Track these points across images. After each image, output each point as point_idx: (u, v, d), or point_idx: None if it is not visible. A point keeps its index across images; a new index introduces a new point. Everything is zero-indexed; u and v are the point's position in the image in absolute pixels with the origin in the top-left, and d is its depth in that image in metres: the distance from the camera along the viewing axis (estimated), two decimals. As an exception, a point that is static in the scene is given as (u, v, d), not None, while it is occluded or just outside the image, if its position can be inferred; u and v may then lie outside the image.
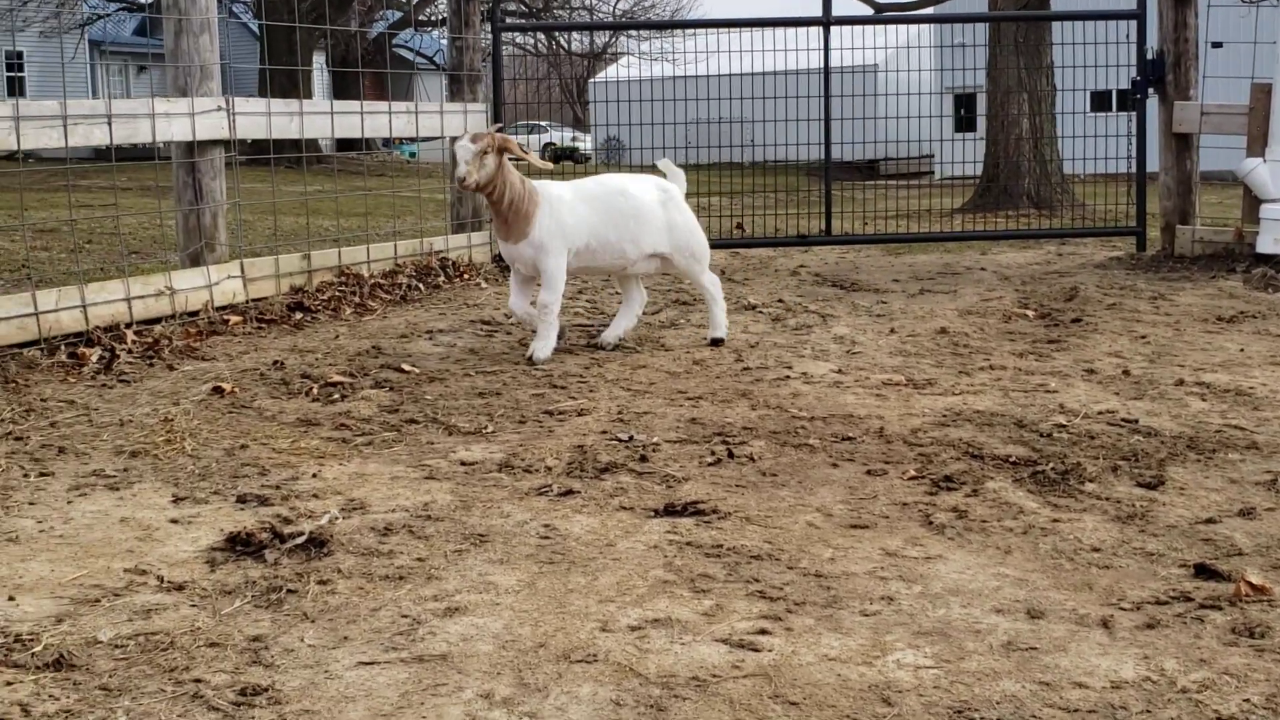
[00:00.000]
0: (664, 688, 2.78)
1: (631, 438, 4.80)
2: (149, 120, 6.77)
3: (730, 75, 12.07)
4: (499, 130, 6.29)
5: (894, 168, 22.98)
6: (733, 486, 4.25)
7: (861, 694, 2.76)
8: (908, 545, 3.69)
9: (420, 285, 8.30)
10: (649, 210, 6.33)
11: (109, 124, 6.52)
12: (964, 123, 22.58)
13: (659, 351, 6.50)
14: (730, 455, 4.57)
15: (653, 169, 6.76)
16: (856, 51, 10.85)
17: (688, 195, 6.64)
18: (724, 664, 2.90)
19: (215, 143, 7.21)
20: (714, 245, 10.73)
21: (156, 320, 6.69)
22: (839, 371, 6.02)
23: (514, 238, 6.09)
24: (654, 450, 4.65)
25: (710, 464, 4.49)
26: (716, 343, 6.58)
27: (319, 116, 8.12)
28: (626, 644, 3.00)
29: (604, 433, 4.91)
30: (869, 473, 4.40)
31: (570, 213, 6.13)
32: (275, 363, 6.04)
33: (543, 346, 6.14)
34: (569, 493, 4.17)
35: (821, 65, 10.27)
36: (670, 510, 3.98)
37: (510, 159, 6.06)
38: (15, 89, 35.82)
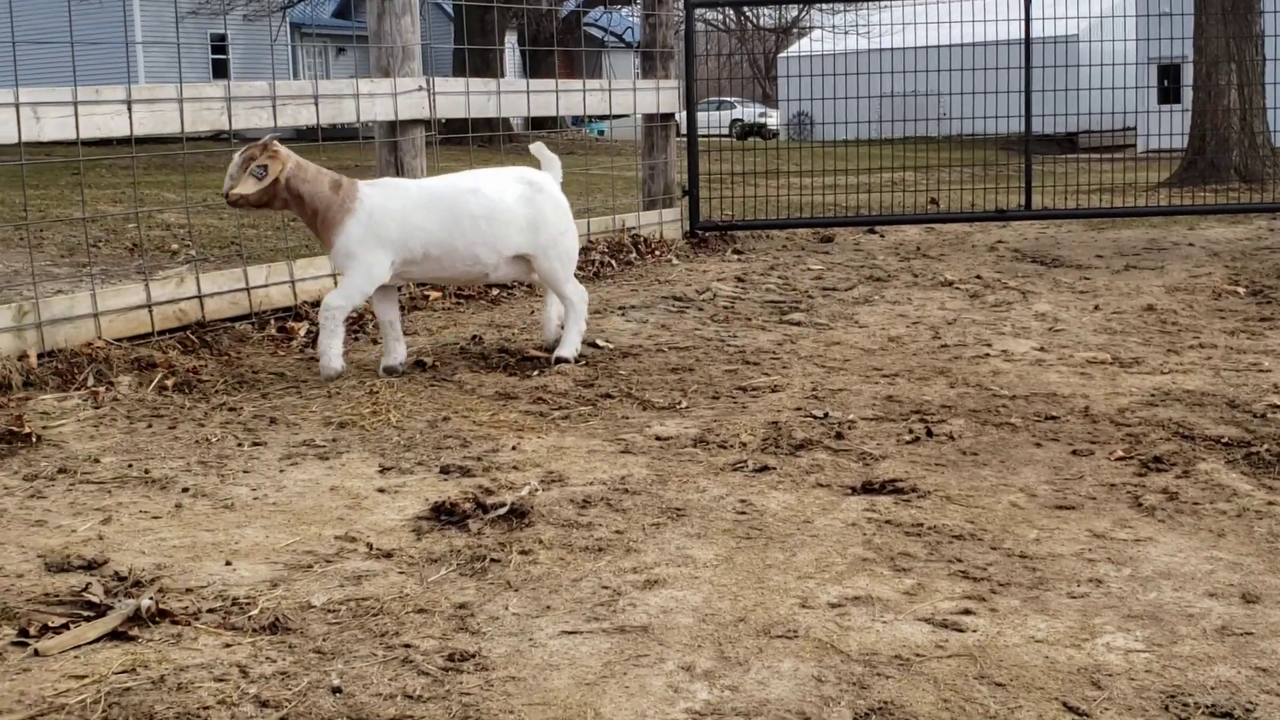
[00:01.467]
0: (866, 665, 2.75)
1: (827, 414, 4.77)
2: (353, 100, 6.95)
3: (924, 48, 11.88)
4: (273, 139, 5.34)
5: (1094, 140, 22.34)
6: (932, 465, 4.18)
7: (1070, 676, 2.70)
8: (1116, 527, 3.59)
9: (612, 261, 8.36)
10: (506, 208, 5.49)
11: (315, 104, 6.71)
12: (1168, 94, 21.82)
13: (853, 328, 6.44)
14: (929, 433, 4.50)
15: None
16: (1056, 22, 10.57)
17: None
18: (927, 643, 2.86)
19: (416, 122, 7.36)
20: (907, 220, 10.61)
21: (360, 296, 6.86)
22: (1041, 349, 5.88)
23: (326, 245, 5.41)
24: (850, 427, 4.61)
25: (908, 442, 4.43)
26: (560, 362, 5.62)
27: (516, 95, 8.23)
28: (827, 621, 2.98)
29: (798, 409, 4.88)
30: (1074, 453, 4.29)
31: (398, 222, 5.32)
32: (474, 337, 6.15)
33: (328, 360, 5.39)
34: (764, 469, 4.15)
35: (1022, 36, 10.02)
36: (868, 488, 3.94)
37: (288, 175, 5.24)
38: (220, 71, 37.10)
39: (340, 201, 5.29)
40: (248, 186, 5.21)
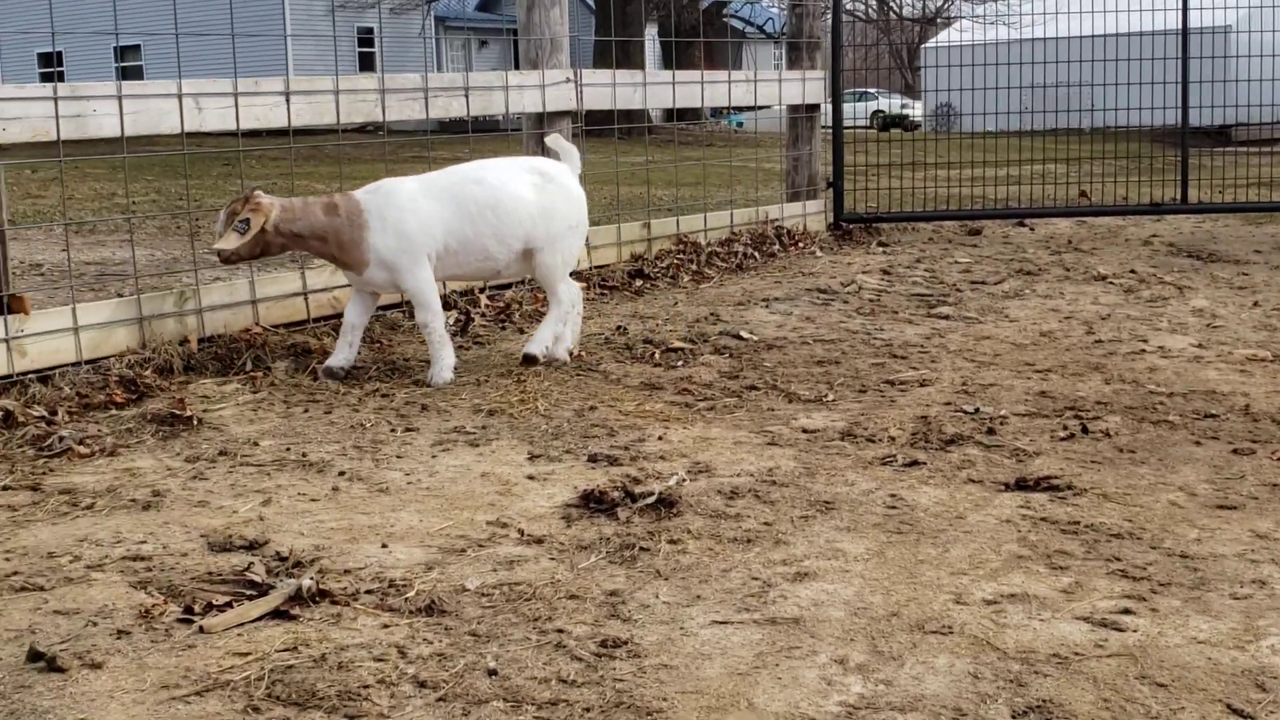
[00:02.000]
0: (1023, 663, 2.71)
1: (978, 410, 4.70)
2: (502, 93, 7.02)
3: (1073, 38, 11.63)
4: (255, 190, 5.14)
5: (1250, 133, 21.69)
6: (1087, 462, 4.10)
7: (1234, 678, 2.63)
8: (1279, 528, 3.49)
9: (755, 253, 8.34)
10: (512, 198, 5.27)
11: (466, 97, 6.80)
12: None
13: (1003, 322, 6.34)
14: (1084, 430, 4.41)
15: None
16: (1211, 11, 10.27)
17: None
18: (1086, 642, 2.81)
19: (563, 114, 7.41)
20: (1058, 213, 10.41)
21: (506, 286, 6.94)
22: (1199, 346, 5.73)
23: (356, 269, 5.18)
24: (1001, 423, 4.54)
25: (1062, 439, 4.35)
26: (529, 360, 5.42)
27: (661, 87, 8.24)
28: (982, 617, 2.94)
29: (948, 404, 4.82)
30: (1235, 451, 4.18)
31: (414, 213, 5.14)
32: (618, 328, 6.18)
33: (438, 369, 5.22)
34: (914, 463, 4.11)
35: (1180, 25, 9.76)
36: (1022, 485, 3.87)
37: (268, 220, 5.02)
38: (366, 64, 37.73)
39: (346, 220, 5.09)
40: (231, 242, 5.01)
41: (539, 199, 5.32)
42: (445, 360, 5.22)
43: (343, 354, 5.30)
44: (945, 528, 3.54)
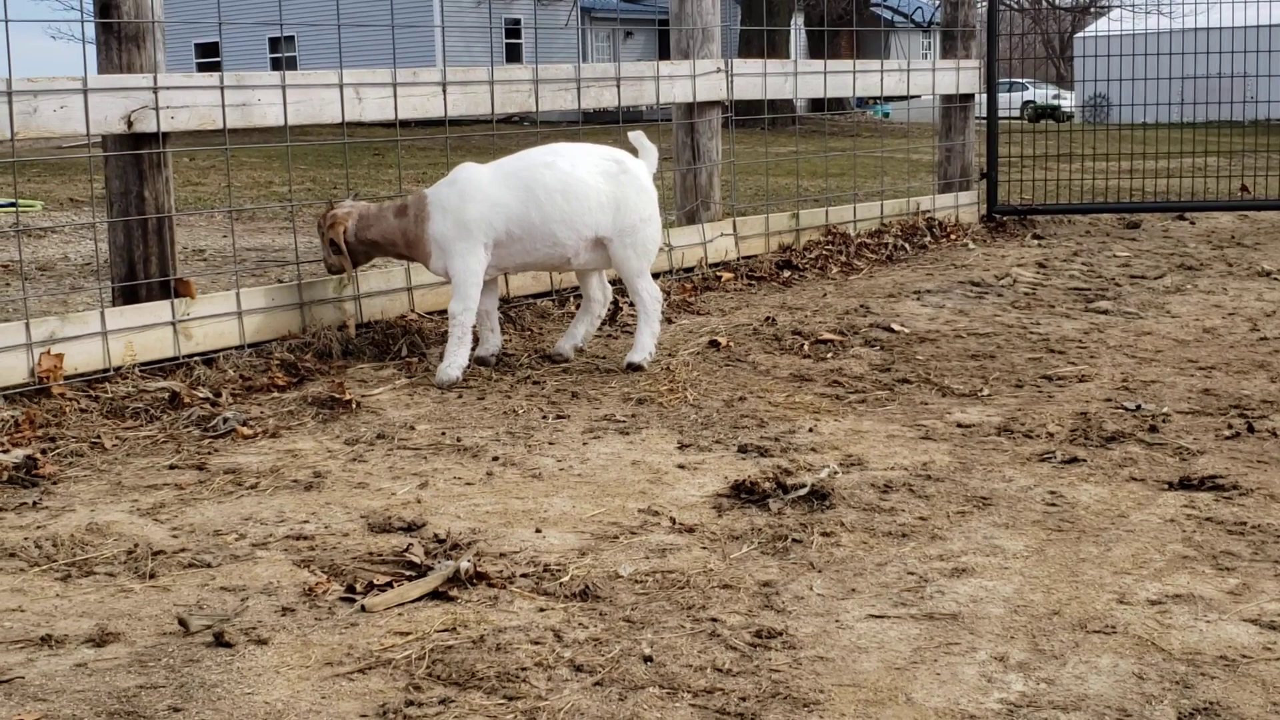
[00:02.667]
0: (1189, 665, 2.64)
1: (1139, 406, 4.59)
2: (653, 82, 7.03)
3: (1232, 28, 11.27)
4: (333, 205, 5.32)
5: None
6: (1254, 462, 3.98)
7: None
8: None
9: (906, 245, 8.24)
10: (583, 184, 5.13)
11: (617, 87, 6.83)
12: None
13: (1164, 318, 6.18)
14: (1250, 429, 4.28)
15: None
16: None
17: None
18: (1254, 645, 2.72)
19: (713, 104, 7.40)
20: (1220, 207, 10.11)
21: (655, 275, 6.93)
22: (1371, 344, 5.53)
23: (425, 262, 5.22)
24: (1164, 421, 4.42)
25: (1228, 437, 4.23)
26: (633, 368, 5.26)
27: (812, 76, 8.18)
28: (1146, 618, 2.87)
29: (1108, 400, 4.72)
30: None
31: (476, 201, 5.07)
32: (767, 319, 6.15)
33: (448, 366, 5.05)
34: (1074, 460, 4.03)
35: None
36: (1186, 484, 3.77)
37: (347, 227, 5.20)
38: (513, 55, 38.12)
39: (414, 218, 5.13)
40: (332, 258, 5.27)
41: (610, 188, 5.18)
42: (458, 358, 5.05)
43: (490, 341, 5.36)
44: (1107, 526, 3.46)
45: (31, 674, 2.64)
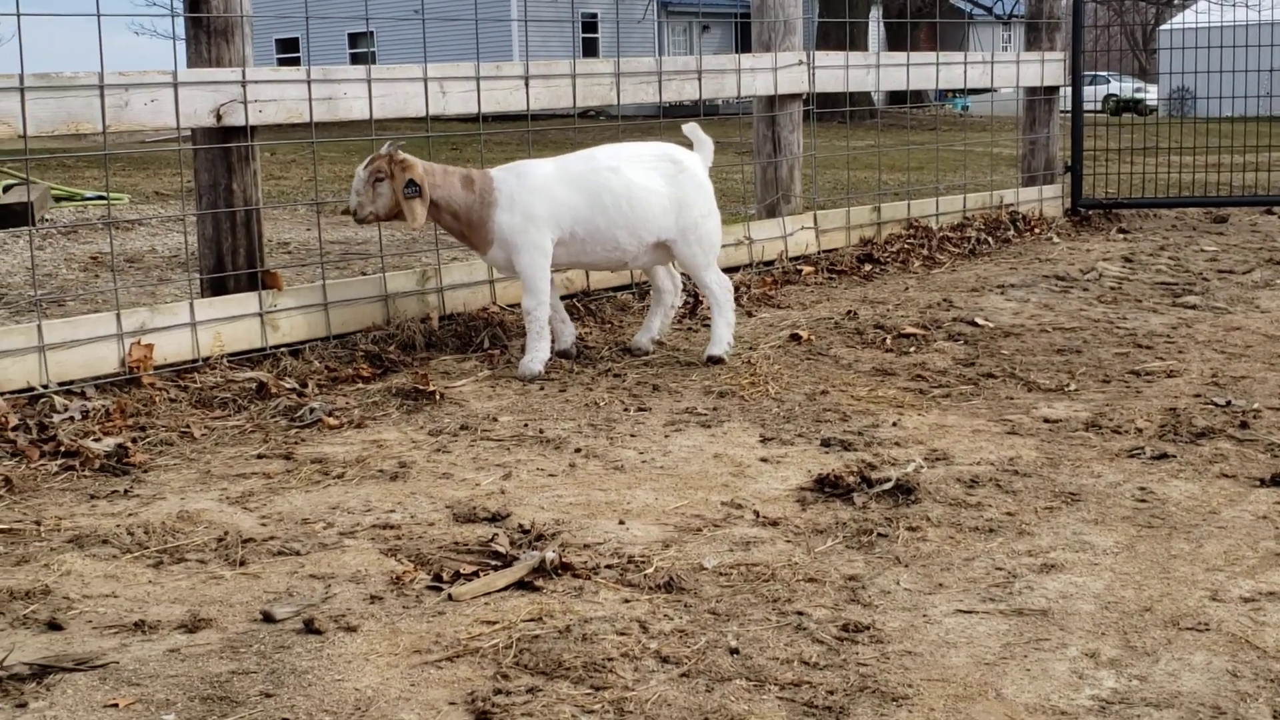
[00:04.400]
0: (1287, 666, 2.60)
1: (1229, 402, 4.51)
2: (735, 75, 7.01)
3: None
4: (395, 149, 5.03)
5: None
6: (1350, 459, 3.90)
7: None
8: None
9: (989, 239, 8.16)
10: (648, 189, 5.12)
11: (699, 80, 6.81)
12: None
13: (1253, 313, 6.07)
14: (1346, 426, 4.20)
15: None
16: None
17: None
18: (1355, 648, 2.67)
19: (794, 96, 7.37)
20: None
21: (735, 269, 6.94)
22: None
23: (481, 248, 5.13)
24: (1255, 417, 4.35)
25: (1322, 434, 4.15)
26: (714, 361, 5.24)
27: (894, 69, 8.12)
28: (1240, 615, 2.83)
29: (1197, 396, 4.64)
30: None
31: (545, 198, 5.01)
32: (848, 312, 6.12)
33: (530, 360, 5.03)
34: (1163, 456, 3.97)
35: None
36: (1277, 480, 3.70)
37: (415, 184, 4.93)
38: (590, 49, 38.18)
39: (479, 198, 5.01)
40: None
41: (671, 190, 5.16)
42: (539, 352, 5.04)
43: (563, 334, 5.32)
44: (1198, 523, 3.41)
45: (125, 659, 2.69)
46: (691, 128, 5.43)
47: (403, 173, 4.93)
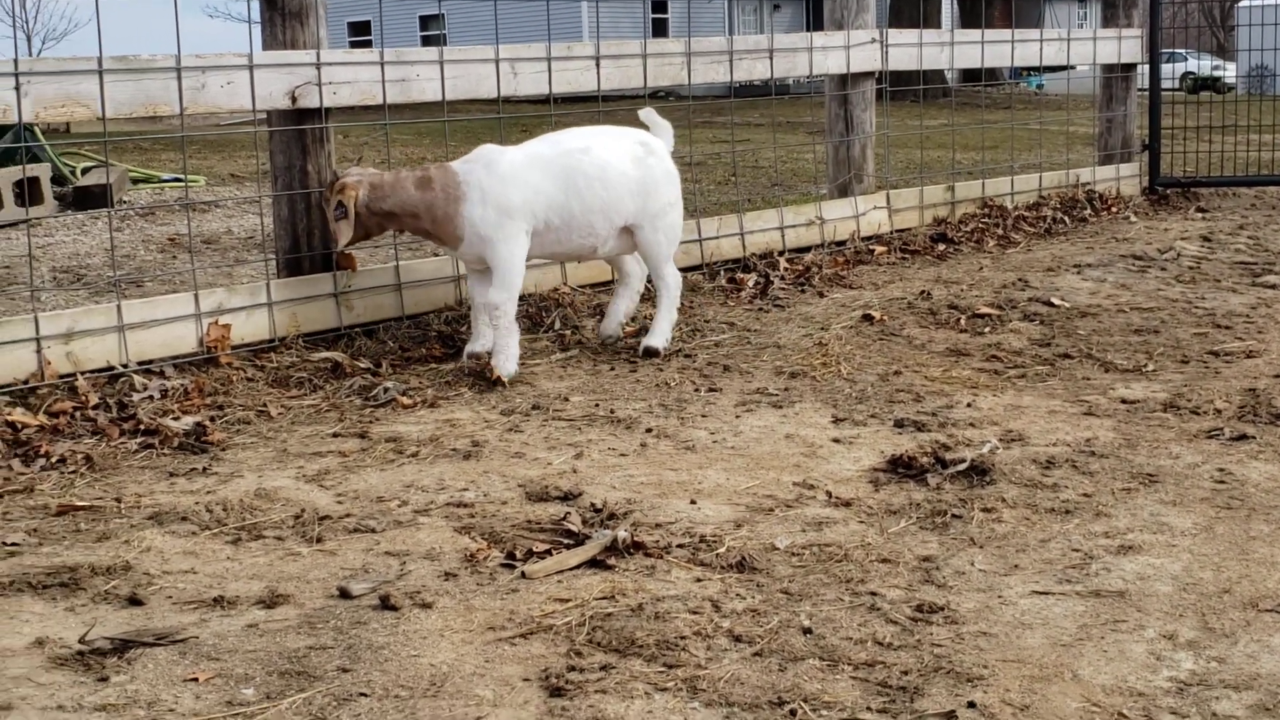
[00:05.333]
0: (1372, 651, 2.55)
1: (1312, 383, 4.44)
2: (806, 54, 6.97)
3: None
4: (342, 173, 4.87)
5: None
6: None
7: None
8: None
9: (1065, 218, 8.07)
10: (619, 171, 4.94)
11: (770, 59, 6.78)
12: None
13: (1336, 292, 5.97)
14: None
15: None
16: None
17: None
18: None
19: (866, 75, 7.32)
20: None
21: (806, 249, 6.91)
22: None
23: (450, 244, 4.87)
24: (1338, 397, 4.28)
25: None
26: (650, 353, 5.05)
27: (969, 46, 8.03)
28: (1323, 600, 2.78)
29: (1277, 376, 4.57)
30: None
31: (518, 186, 4.79)
32: (921, 293, 6.07)
33: (504, 359, 4.77)
34: (1242, 437, 3.91)
35: None
36: (1363, 462, 3.64)
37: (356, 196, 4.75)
38: (659, 30, 38.09)
39: (443, 194, 4.77)
40: (342, 233, 4.80)
41: (639, 173, 5.00)
42: (510, 349, 4.79)
43: (484, 335, 4.94)
44: (1278, 504, 3.36)
45: (205, 634, 2.73)
46: (647, 112, 5.26)
47: (335, 194, 4.79)
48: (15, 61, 4.43)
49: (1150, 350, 5.01)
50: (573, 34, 32.48)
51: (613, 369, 4.91)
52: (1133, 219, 8.30)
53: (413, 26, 39.91)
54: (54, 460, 3.88)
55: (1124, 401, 4.35)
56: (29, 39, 45.24)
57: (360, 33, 41.41)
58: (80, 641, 2.67)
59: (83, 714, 2.39)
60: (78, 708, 2.41)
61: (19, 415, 4.18)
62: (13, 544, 3.25)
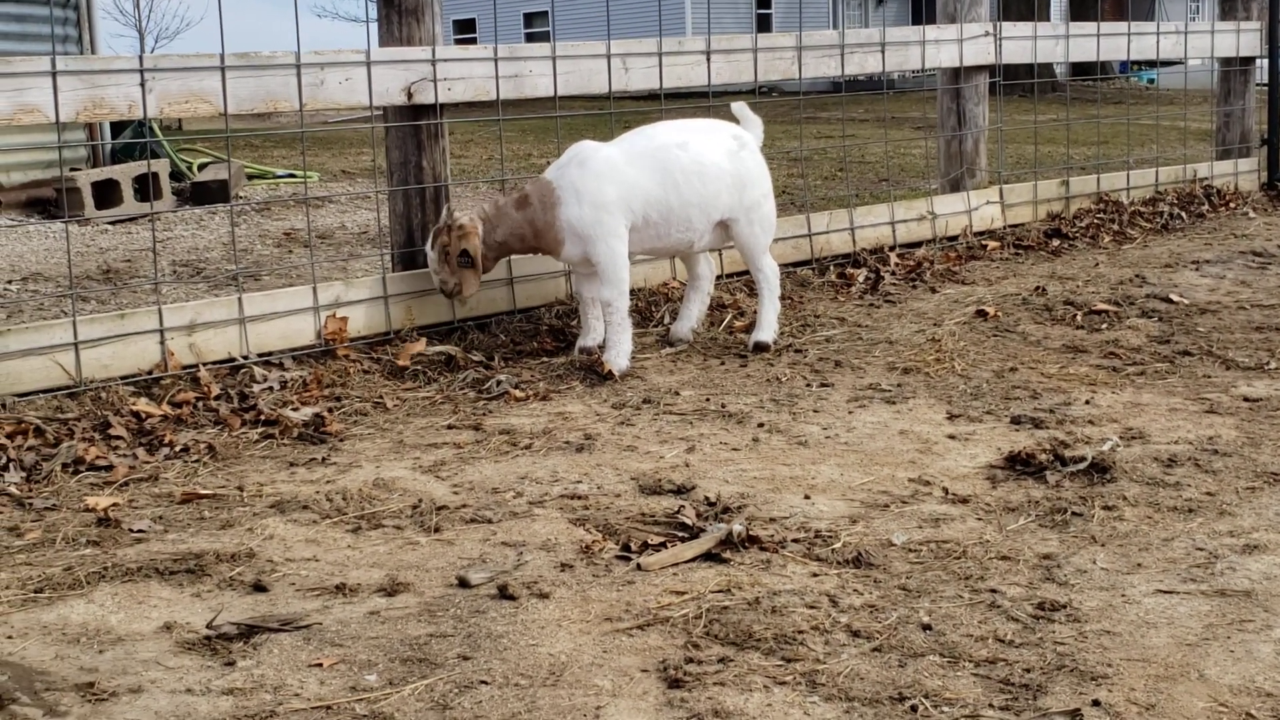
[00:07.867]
0: None
1: None
2: (919, 47, 6.91)
3: None
4: (452, 215, 4.79)
5: None
6: None
7: None
8: None
9: (1182, 214, 7.91)
10: (715, 165, 4.92)
11: (882, 52, 6.73)
12: None
13: None
14: None
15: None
16: None
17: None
18: None
19: (980, 68, 7.23)
20: None
21: (917, 244, 6.85)
22: None
23: (554, 251, 4.86)
24: None
25: None
26: (760, 348, 5.05)
27: (1084, 39, 7.91)
28: None
29: None
30: None
31: (614, 181, 4.76)
32: (1036, 288, 5.99)
33: (615, 354, 4.77)
34: (1373, 437, 3.81)
35: None
36: None
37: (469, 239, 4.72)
38: (764, 25, 37.95)
39: (540, 205, 4.77)
40: (469, 284, 4.80)
41: (734, 166, 4.99)
42: (623, 345, 4.79)
43: (595, 329, 4.98)
44: None
45: (328, 620, 2.77)
46: (739, 106, 5.25)
47: (459, 242, 4.75)
48: (140, 58, 4.54)
49: (1272, 348, 4.90)
50: (676, 29, 32.49)
51: (723, 364, 4.91)
52: (1251, 215, 8.12)
53: (517, 24, 40.19)
54: (178, 449, 3.97)
55: (1246, 399, 4.26)
56: (141, 37, 46.22)
57: (464, 30, 41.76)
58: (207, 626, 2.73)
59: (210, 697, 2.44)
60: (205, 691, 2.47)
61: (144, 405, 4.28)
62: (140, 530, 3.32)
